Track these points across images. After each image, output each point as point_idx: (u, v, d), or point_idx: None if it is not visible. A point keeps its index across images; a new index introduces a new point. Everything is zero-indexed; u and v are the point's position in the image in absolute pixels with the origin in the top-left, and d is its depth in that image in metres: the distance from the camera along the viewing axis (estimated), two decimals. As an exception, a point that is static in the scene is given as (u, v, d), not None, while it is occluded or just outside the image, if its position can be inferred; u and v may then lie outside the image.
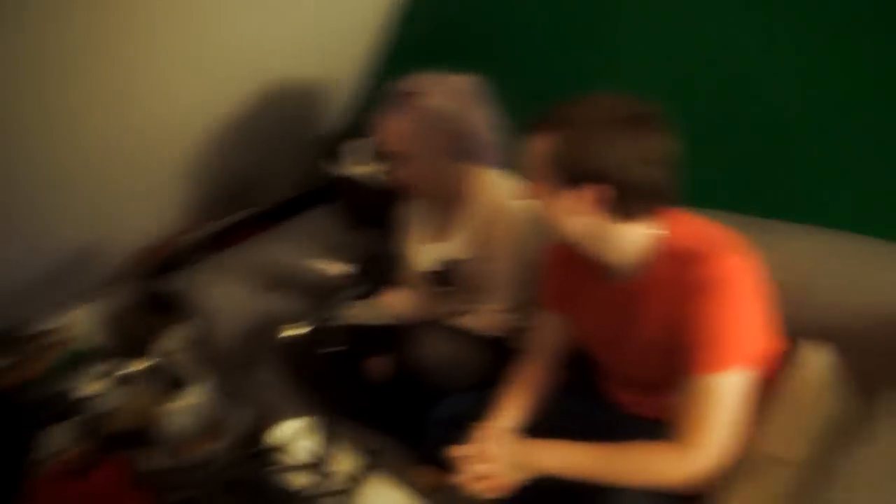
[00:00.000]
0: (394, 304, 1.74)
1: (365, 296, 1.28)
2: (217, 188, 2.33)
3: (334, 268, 1.60)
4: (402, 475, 1.47)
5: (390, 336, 1.82)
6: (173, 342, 1.94)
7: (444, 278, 1.73)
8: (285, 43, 2.02)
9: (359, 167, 2.21)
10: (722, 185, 1.59)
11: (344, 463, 1.38)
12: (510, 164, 1.74)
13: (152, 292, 2.17)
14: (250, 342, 2.01)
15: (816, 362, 1.21)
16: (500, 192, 1.61)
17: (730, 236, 1.16)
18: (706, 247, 1.12)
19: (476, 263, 1.65)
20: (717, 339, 1.08)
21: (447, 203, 1.70)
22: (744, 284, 1.10)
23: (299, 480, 1.27)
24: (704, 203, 1.30)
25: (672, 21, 1.70)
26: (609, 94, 1.13)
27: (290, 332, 1.12)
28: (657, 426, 1.16)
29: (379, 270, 1.31)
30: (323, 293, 2.13)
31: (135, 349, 1.90)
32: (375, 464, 1.45)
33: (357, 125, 2.35)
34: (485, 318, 1.63)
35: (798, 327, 1.30)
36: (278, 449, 1.31)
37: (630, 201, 1.12)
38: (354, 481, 1.36)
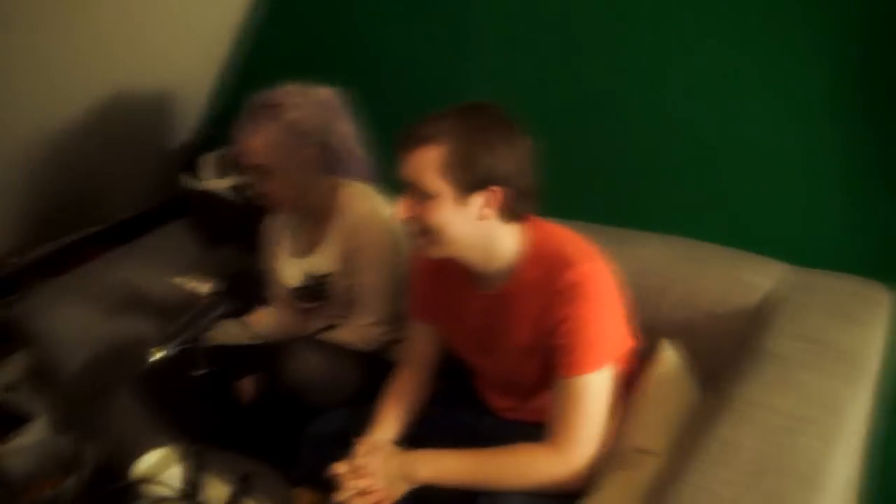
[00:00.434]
0: (262, 321, 1.69)
1: (233, 314, 1.23)
2: (57, 203, 2.14)
3: (203, 286, 1.53)
4: (278, 498, 1.43)
5: (259, 355, 1.77)
6: (10, 375, 1.76)
7: (313, 293, 1.70)
8: (137, 48, 1.91)
9: (218, 180, 2.13)
10: (576, 195, 1.68)
11: (216, 490, 1.32)
12: (375, 176, 1.76)
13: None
14: (102, 369, 1.87)
15: (672, 359, 1.31)
16: (367, 204, 1.61)
17: (585, 243, 1.23)
18: (568, 253, 1.18)
19: (344, 277, 1.64)
20: (582, 342, 1.14)
21: (314, 216, 1.67)
22: (604, 288, 1.17)
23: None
24: (558, 213, 1.37)
25: (527, 33, 1.77)
26: (475, 102, 1.17)
27: (157, 354, 1.05)
28: (536, 430, 1.20)
29: (246, 288, 1.26)
30: (187, 313, 2.04)
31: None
32: (249, 488, 1.40)
33: (215, 136, 2.27)
34: (356, 331, 1.62)
35: (653, 326, 1.41)
36: (145, 481, 1.23)
37: (517, 201, 1.17)
38: (227, 509, 1.30)
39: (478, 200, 1.15)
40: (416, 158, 1.15)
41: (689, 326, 1.41)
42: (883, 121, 1.38)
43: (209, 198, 2.15)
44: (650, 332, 1.40)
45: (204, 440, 1.24)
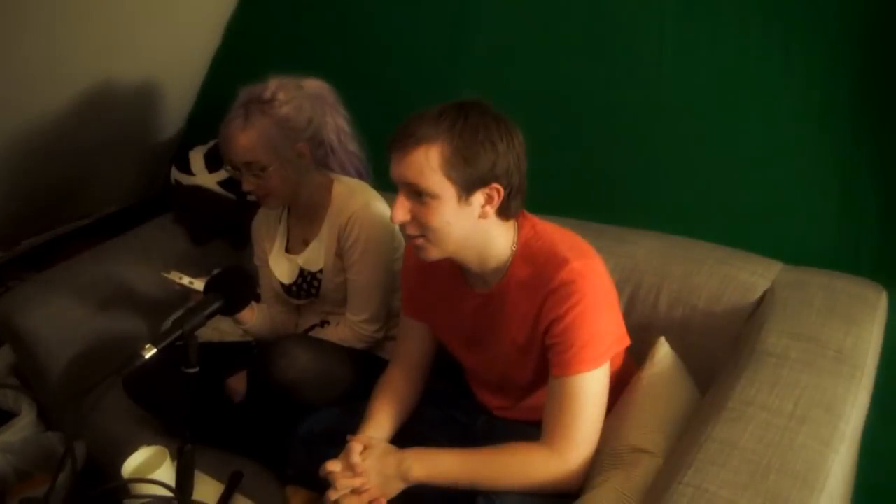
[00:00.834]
0: (253, 318, 1.67)
1: (226, 311, 1.20)
2: (43, 197, 2.11)
3: (197, 282, 1.50)
4: (269, 496, 1.41)
5: (248, 353, 1.75)
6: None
7: (305, 289, 1.68)
8: (124, 40, 1.88)
9: (207, 175, 2.10)
10: (572, 193, 1.67)
11: (207, 488, 1.30)
12: (367, 170, 1.74)
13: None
14: (90, 365, 1.84)
15: (668, 357, 1.31)
16: (360, 199, 1.59)
17: (580, 241, 1.22)
18: (563, 251, 1.17)
19: (338, 273, 1.62)
20: (578, 341, 1.13)
21: (306, 212, 1.66)
22: (599, 286, 1.16)
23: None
24: (554, 211, 1.36)
25: (520, 28, 1.76)
26: (465, 100, 1.16)
27: (150, 352, 1.03)
28: (530, 428, 1.20)
29: (241, 284, 1.24)
30: (178, 309, 2.01)
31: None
32: (240, 488, 1.38)
33: (204, 130, 2.24)
34: (349, 328, 1.61)
35: (648, 324, 1.40)
36: (135, 479, 1.20)
37: (512, 198, 1.17)
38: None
39: (479, 199, 1.14)
40: (414, 158, 1.12)
41: (685, 325, 1.41)
42: (877, 120, 1.38)
43: (198, 192, 2.13)
44: (646, 329, 1.40)
45: (194, 438, 1.22)
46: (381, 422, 1.35)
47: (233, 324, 1.73)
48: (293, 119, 1.52)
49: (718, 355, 1.36)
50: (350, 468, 1.21)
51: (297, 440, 1.41)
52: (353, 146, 1.70)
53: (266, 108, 1.50)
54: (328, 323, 1.70)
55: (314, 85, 1.61)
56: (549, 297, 1.15)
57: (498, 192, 1.14)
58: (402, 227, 1.20)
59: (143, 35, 1.93)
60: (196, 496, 1.21)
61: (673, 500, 0.97)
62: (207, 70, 2.29)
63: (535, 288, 1.17)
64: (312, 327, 1.71)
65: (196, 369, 1.12)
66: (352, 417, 1.38)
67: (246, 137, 1.49)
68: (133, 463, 1.30)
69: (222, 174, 2.09)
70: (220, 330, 1.90)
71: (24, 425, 1.82)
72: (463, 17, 1.83)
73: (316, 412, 1.44)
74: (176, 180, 2.17)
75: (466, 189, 1.13)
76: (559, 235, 1.22)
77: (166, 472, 1.27)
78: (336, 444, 1.29)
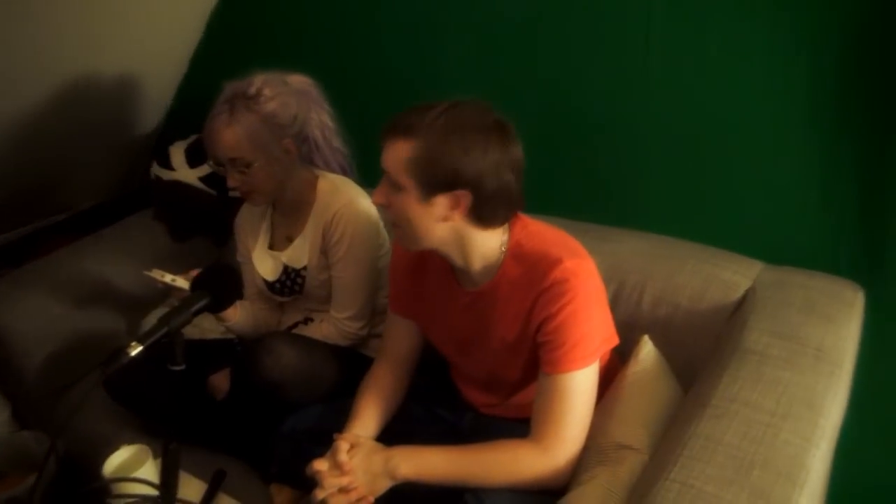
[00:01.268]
0: (236, 315, 1.65)
1: (212, 309, 1.19)
2: (19, 191, 2.08)
3: (182, 280, 1.48)
4: (252, 495, 1.40)
5: (231, 350, 1.74)
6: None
7: (288, 287, 1.67)
8: (104, 31, 1.85)
9: (188, 170, 2.08)
10: (556, 191, 1.68)
11: (190, 487, 1.29)
12: (351, 167, 1.73)
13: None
14: (67, 362, 1.81)
15: (652, 355, 1.33)
16: (346, 196, 1.58)
17: (572, 241, 1.23)
18: (555, 251, 1.17)
19: (322, 270, 1.61)
20: (569, 340, 1.14)
21: (291, 208, 1.65)
22: (591, 286, 1.17)
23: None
24: (537, 209, 1.37)
25: (505, 27, 1.77)
26: (462, 101, 1.16)
27: (135, 350, 1.02)
28: (516, 426, 1.20)
29: (228, 282, 1.23)
30: (158, 306, 1.99)
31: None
32: (223, 486, 1.37)
33: (185, 124, 2.21)
34: (333, 326, 1.60)
35: (632, 322, 1.42)
36: (117, 479, 1.19)
37: (486, 207, 1.15)
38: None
39: (442, 202, 1.14)
40: (391, 148, 1.15)
41: (668, 323, 1.43)
42: (858, 126, 1.41)
43: (178, 188, 2.10)
44: (629, 327, 1.42)
45: (177, 436, 1.21)
46: (367, 420, 1.34)
47: (214, 321, 1.72)
48: (279, 115, 1.51)
49: (701, 353, 1.37)
50: (337, 467, 1.20)
51: (282, 438, 1.40)
52: (337, 142, 1.69)
53: (251, 104, 1.49)
54: (312, 320, 1.69)
55: (299, 80, 1.60)
56: (541, 296, 1.15)
57: (464, 199, 1.13)
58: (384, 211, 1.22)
59: (123, 28, 1.90)
60: (178, 495, 1.20)
61: (659, 496, 0.98)
62: (188, 64, 2.27)
63: (527, 286, 1.17)
64: (296, 324, 1.70)
65: (182, 367, 1.11)
66: (336, 415, 1.37)
67: (231, 133, 1.48)
68: (114, 462, 1.29)
69: (203, 170, 2.07)
70: (201, 327, 1.88)
71: (0, 423, 1.79)
72: (449, 16, 1.83)
73: (300, 410, 1.43)
74: (156, 175, 2.14)
75: (427, 190, 1.13)
76: (551, 235, 1.23)
77: (149, 471, 1.26)
78: (321, 442, 1.28)
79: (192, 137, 2.14)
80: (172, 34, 2.14)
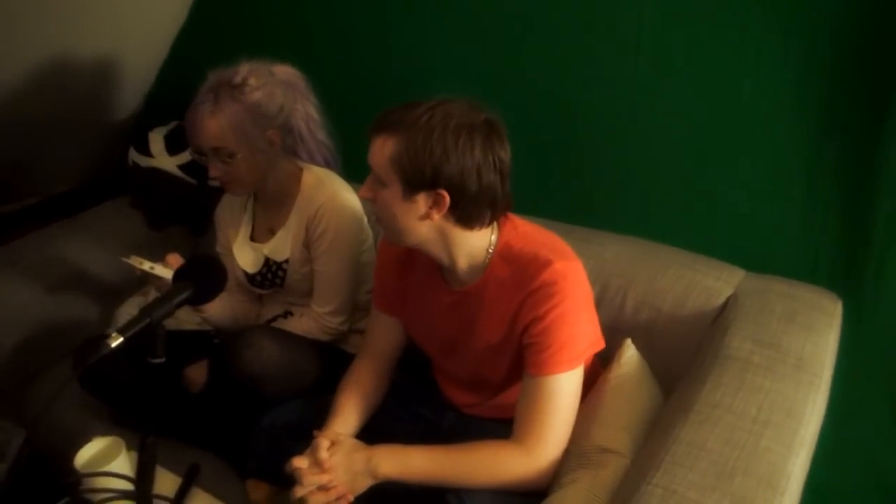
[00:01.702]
0: (213, 307, 1.62)
1: (195, 301, 1.17)
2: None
3: (164, 270, 1.45)
4: (228, 490, 1.38)
5: (207, 342, 1.71)
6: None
7: (268, 280, 1.65)
8: (81, 10, 1.79)
9: (167, 158, 2.04)
10: (542, 193, 1.68)
11: (163, 483, 1.26)
12: (336, 160, 1.71)
13: None
14: (38, 350, 1.77)
15: (634, 359, 1.33)
16: (330, 189, 1.56)
17: (561, 243, 1.23)
18: (544, 252, 1.17)
19: (304, 264, 1.59)
20: (556, 342, 1.14)
21: (273, 200, 1.62)
22: (579, 289, 1.17)
23: (116, 507, 1.14)
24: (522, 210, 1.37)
25: (486, 28, 1.76)
26: (452, 99, 1.15)
27: (116, 340, 0.99)
28: (497, 426, 1.20)
29: (214, 273, 1.21)
30: (132, 295, 1.95)
31: None
32: (197, 481, 1.34)
33: (165, 110, 2.17)
34: (314, 320, 1.58)
35: (614, 326, 1.42)
36: (89, 472, 1.16)
37: (467, 208, 1.15)
38: (176, 501, 1.25)
39: (424, 200, 1.14)
40: (376, 144, 1.15)
41: (650, 327, 1.44)
42: (842, 140, 1.43)
43: (156, 175, 2.06)
44: (612, 331, 1.41)
45: (150, 429, 1.18)
46: (347, 417, 1.33)
47: (190, 311, 1.69)
48: (264, 105, 1.49)
49: (682, 358, 1.38)
50: (317, 464, 1.18)
51: (260, 433, 1.39)
52: (321, 135, 1.67)
53: (236, 94, 1.46)
54: (291, 314, 1.67)
55: (285, 71, 1.57)
56: (529, 297, 1.15)
57: (447, 197, 1.12)
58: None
59: (105, 7, 1.85)
60: (154, 489, 1.17)
61: (642, 501, 0.99)
62: (170, 50, 2.22)
63: (515, 287, 1.17)
64: (275, 318, 1.68)
65: (163, 359, 1.08)
66: (315, 411, 1.36)
67: (215, 122, 1.45)
68: (86, 454, 1.26)
69: (183, 157, 2.03)
70: (176, 318, 1.84)
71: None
72: (439, 10, 1.82)
73: (280, 406, 1.41)
74: (133, 162, 2.10)
75: (409, 187, 1.13)
76: (542, 237, 1.23)
77: (123, 464, 1.23)
78: (299, 437, 1.27)
79: (172, 124, 2.10)
80: (155, 17, 2.09)
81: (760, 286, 1.43)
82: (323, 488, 1.17)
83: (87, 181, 2.36)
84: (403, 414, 1.42)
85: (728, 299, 1.41)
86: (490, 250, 1.22)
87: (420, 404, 1.45)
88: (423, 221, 1.16)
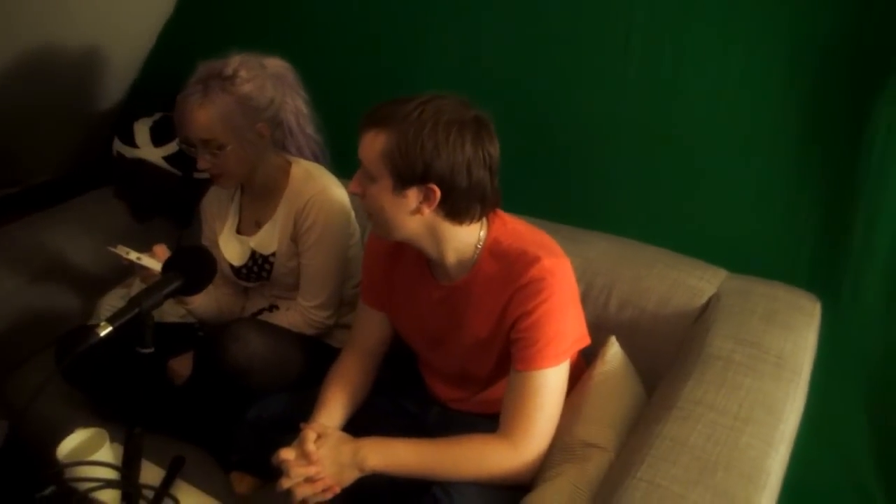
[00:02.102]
0: (198, 299, 1.62)
1: (184, 292, 1.17)
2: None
3: (152, 260, 1.44)
4: (212, 483, 1.38)
5: (191, 334, 1.70)
6: None
7: (254, 273, 1.65)
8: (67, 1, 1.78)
9: (152, 149, 2.02)
10: (528, 191, 1.69)
11: (147, 475, 1.25)
12: (324, 154, 1.71)
13: None
14: (15, 342, 1.75)
15: (618, 356, 1.35)
16: (318, 183, 1.56)
17: (550, 240, 1.25)
18: (532, 249, 1.18)
19: (291, 257, 1.59)
20: (543, 337, 1.15)
21: (261, 193, 1.62)
22: (567, 285, 1.19)
23: (101, 497, 1.13)
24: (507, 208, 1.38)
25: (478, 27, 1.78)
26: (442, 95, 1.16)
27: (105, 330, 0.99)
28: (482, 421, 1.21)
29: (204, 264, 1.20)
30: (116, 285, 1.93)
31: None
32: (181, 473, 1.34)
33: (151, 100, 2.15)
34: (300, 314, 1.58)
35: (598, 324, 1.44)
36: (72, 463, 1.15)
37: (457, 203, 1.16)
38: (161, 493, 1.24)
39: (414, 195, 1.14)
40: (367, 138, 1.15)
41: (634, 325, 1.46)
42: (822, 145, 1.47)
43: (141, 166, 2.04)
44: (596, 328, 1.42)
45: (134, 421, 1.18)
46: (333, 410, 1.33)
47: (174, 304, 1.68)
48: (254, 98, 1.49)
49: (664, 356, 1.40)
50: (304, 456, 1.18)
51: (245, 426, 1.39)
52: (310, 129, 1.67)
53: (227, 85, 1.46)
54: (277, 307, 1.67)
55: (276, 64, 1.57)
56: (517, 293, 1.16)
57: (435, 194, 1.13)
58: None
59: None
60: (138, 480, 1.17)
61: (627, 494, 1.01)
62: (156, 39, 2.20)
63: (504, 283, 1.18)
64: (261, 311, 1.68)
65: (151, 350, 1.08)
66: (301, 404, 1.36)
67: (204, 114, 1.44)
68: (69, 445, 1.25)
69: (169, 148, 2.02)
70: (160, 310, 1.83)
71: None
72: (429, 7, 1.83)
73: (264, 398, 1.41)
74: (118, 152, 2.08)
75: (400, 182, 1.13)
76: (530, 234, 1.24)
77: (106, 455, 1.22)
78: (284, 430, 1.27)
79: (158, 115, 2.08)
80: (142, 6, 2.07)
81: (742, 287, 1.45)
82: (310, 480, 1.17)
83: (70, 171, 2.33)
84: (389, 409, 1.43)
85: (710, 299, 1.43)
86: (479, 246, 1.23)
87: (404, 398, 1.45)
88: (413, 216, 1.17)
